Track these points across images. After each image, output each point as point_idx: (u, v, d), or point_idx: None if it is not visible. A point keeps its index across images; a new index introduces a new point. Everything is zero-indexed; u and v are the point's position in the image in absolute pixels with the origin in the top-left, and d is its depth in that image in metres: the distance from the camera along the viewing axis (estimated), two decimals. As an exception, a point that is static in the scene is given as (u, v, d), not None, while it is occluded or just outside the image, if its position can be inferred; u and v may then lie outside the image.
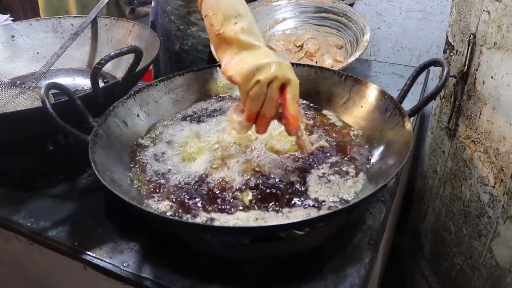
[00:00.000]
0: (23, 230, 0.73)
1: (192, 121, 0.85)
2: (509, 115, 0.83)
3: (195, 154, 0.75)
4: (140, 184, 0.69)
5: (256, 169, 0.71)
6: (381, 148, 0.73)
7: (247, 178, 0.69)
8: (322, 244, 0.67)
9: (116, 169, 0.69)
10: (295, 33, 1.28)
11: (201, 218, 0.62)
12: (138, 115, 0.81)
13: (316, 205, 0.64)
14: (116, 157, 0.72)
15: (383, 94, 0.77)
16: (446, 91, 1.05)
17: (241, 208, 0.63)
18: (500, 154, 0.87)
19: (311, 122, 0.81)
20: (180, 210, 0.64)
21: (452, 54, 1.02)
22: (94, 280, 0.68)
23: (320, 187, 0.67)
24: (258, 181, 0.68)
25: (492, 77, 0.86)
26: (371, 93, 0.80)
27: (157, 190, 0.68)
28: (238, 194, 0.66)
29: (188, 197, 0.66)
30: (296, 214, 0.62)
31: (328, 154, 0.74)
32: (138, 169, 0.73)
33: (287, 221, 0.58)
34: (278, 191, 0.66)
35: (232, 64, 0.65)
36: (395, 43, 1.49)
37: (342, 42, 1.21)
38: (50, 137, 0.89)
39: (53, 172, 0.84)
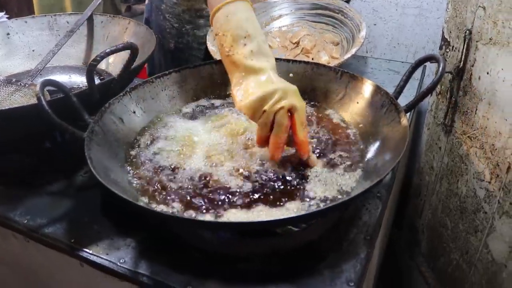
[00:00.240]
0: (20, 228, 0.73)
1: (189, 118, 0.85)
2: (504, 111, 0.83)
3: (191, 150, 0.75)
4: (136, 180, 0.69)
5: (253, 165, 0.71)
6: (377, 144, 0.73)
7: (244, 174, 0.69)
8: (318, 240, 0.67)
9: (112, 166, 0.69)
10: (291, 30, 1.28)
11: (197, 214, 0.62)
12: (134, 112, 0.81)
13: (312, 201, 0.64)
14: (112, 154, 0.72)
15: (379, 90, 0.77)
16: (442, 87, 1.05)
17: (238, 204, 0.64)
18: (495, 149, 0.87)
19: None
20: (175, 206, 0.64)
21: (448, 50, 1.02)
22: (91, 277, 0.68)
23: (316, 183, 0.67)
24: (255, 177, 0.68)
25: (487, 73, 0.86)
26: (367, 89, 0.80)
27: (154, 187, 0.68)
28: (235, 190, 0.66)
29: (184, 193, 0.66)
30: (292, 210, 0.62)
31: (325, 150, 0.74)
32: (134, 166, 0.73)
33: (282, 217, 0.58)
34: (274, 187, 0.67)
35: (239, 98, 0.68)
36: (391, 39, 1.49)
37: (338, 38, 1.21)
38: (46, 134, 0.88)
39: (49, 170, 0.84)
